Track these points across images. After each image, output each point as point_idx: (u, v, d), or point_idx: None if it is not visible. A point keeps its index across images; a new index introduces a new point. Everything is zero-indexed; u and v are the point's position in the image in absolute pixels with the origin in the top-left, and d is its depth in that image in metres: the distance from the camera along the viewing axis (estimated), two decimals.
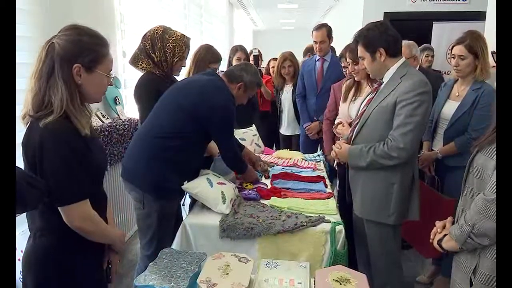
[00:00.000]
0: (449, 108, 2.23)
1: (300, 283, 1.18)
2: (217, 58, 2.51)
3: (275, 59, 3.88)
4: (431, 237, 1.42)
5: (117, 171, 2.73)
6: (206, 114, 1.79)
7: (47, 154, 1.09)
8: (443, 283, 2.40)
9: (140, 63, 2.07)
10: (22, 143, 1.13)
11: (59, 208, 1.14)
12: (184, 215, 2.11)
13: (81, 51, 1.12)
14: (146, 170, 1.77)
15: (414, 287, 2.53)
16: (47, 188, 1.08)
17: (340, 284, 1.17)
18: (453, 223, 1.37)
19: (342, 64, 2.65)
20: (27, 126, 1.14)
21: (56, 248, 1.19)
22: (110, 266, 1.39)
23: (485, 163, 1.18)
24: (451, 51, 2.23)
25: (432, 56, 3.76)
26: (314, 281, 1.21)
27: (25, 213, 1.21)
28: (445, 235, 1.33)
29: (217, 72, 2.25)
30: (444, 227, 1.38)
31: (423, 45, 3.73)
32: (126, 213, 1.62)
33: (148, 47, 2.04)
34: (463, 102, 2.16)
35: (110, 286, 1.41)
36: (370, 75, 1.93)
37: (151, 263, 1.30)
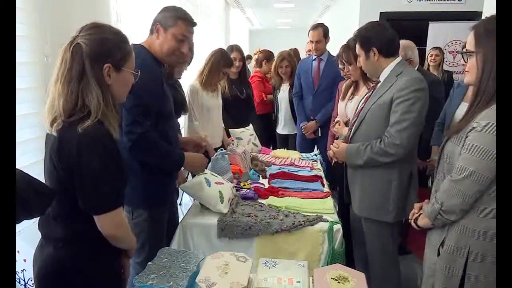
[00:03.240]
0: (463, 111, 2.16)
1: (299, 282, 1.18)
2: (230, 63, 2.63)
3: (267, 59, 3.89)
4: (410, 217, 1.53)
5: None
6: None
7: (87, 160, 1.05)
8: None
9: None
10: (53, 148, 1.08)
11: (94, 216, 1.10)
12: (181, 215, 2.11)
13: (110, 50, 1.10)
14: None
15: None
16: (53, 195, 1.05)
17: (339, 282, 1.17)
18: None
19: (340, 66, 2.66)
20: (58, 130, 1.07)
21: (81, 257, 1.15)
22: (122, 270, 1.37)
23: (453, 149, 1.31)
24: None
25: (437, 55, 3.77)
26: (312, 280, 1.22)
27: (37, 219, 1.18)
28: (420, 214, 1.45)
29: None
30: (421, 208, 1.48)
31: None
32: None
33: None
34: None
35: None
36: (367, 74, 1.95)
37: (149, 263, 1.30)
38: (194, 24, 1.65)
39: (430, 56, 3.83)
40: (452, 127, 1.39)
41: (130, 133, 1.50)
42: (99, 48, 1.08)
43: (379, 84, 1.86)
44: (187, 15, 1.64)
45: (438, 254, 1.34)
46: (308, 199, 1.96)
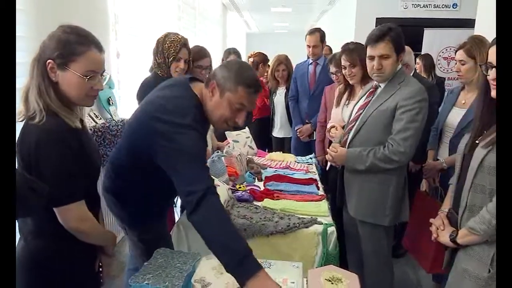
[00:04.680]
0: (455, 116, 2.18)
1: (293, 282, 1.20)
2: (199, 55, 2.29)
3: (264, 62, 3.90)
4: (434, 235, 1.48)
5: None
6: None
7: (44, 154, 1.08)
8: None
9: (151, 65, 2.21)
10: (16, 143, 1.12)
11: (55, 209, 1.14)
12: (176, 216, 2.12)
13: (56, 47, 1.11)
14: (111, 203, 1.59)
15: None
16: (47, 192, 1.07)
17: (332, 283, 1.19)
18: (449, 219, 1.46)
19: (330, 71, 2.68)
20: (22, 127, 1.14)
21: (49, 251, 1.19)
22: (101, 268, 1.40)
23: None
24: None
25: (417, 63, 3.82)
26: (306, 280, 1.23)
27: None
28: (455, 231, 1.37)
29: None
30: (443, 223, 1.46)
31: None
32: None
33: (154, 50, 2.15)
34: (469, 110, 2.08)
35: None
36: (380, 77, 1.83)
37: (145, 263, 1.31)
38: (259, 90, 1.36)
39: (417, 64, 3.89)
40: (489, 136, 1.27)
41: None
42: (48, 45, 1.12)
43: (379, 90, 1.88)
44: (251, 78, 1.32)
45: (489, 271, 1.26)
46: (303, 201, 1.98)
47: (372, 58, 1.80)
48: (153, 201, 1.57)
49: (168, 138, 1.23)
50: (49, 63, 1.11)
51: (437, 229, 1.48)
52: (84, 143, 1.20)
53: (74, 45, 1.12)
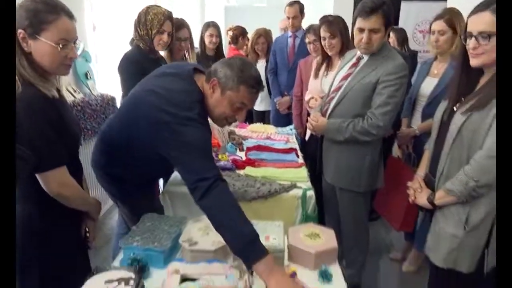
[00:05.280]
0: (428, 86, 2.26)
1: (275, 238, 1.29)
2: (177, 26, 2.21)
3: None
4: (411, 198, 1.56)
5: (91, 146, 2.73)
6: None
7: (22, 123, 1.08)
8: (417, 257, 2.59)
9: (132, 37, 2.14)
10: None
11: (37, 175, 1.17)
12: (161, 184, 2.16)
13: (25, 16, 1.10)
14: (101, 179, 1.62)
15: (387, 264, 2.71)
16: (33, 159, 1.10)
17: (311, 238, 1.29)
18: (426, 182, 1.53)
19: (307, 40, 2.72)
20: None
21: (33, 217, 1.22)
22: (88, 233, 1.45)
23: (478, 125, 1.26)
24: (430, 28, 2.25)
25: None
26: (287, 237, 1.32)
27: None
28: (432, 193, 1.45)
29: None
30: (420, 185, 1.53)
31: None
32: (101, 188, 1.66)
33: (136, 22, 2.08)
34: (441, 80, 2.16)
35: (89, 252, 1.48)
36: (367, 51, 1.83)
37: (133, 227, 1.37)
38: (261, 89, 1.36)
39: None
40: (467, 103, 1.32)
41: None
42: (19, 15, 1.10)
43: (362, 62, 1.91)
44: (254, 78, 1.31)
45: (464, 228, 1.35)
46: (283, 168, 2.06)
47: (362, 30, 1.78)
48: (144, 177, 1.59)
49: (174, 130, 1.24)
50: (20, 33, 1.10)
51: (414, 191, 1.55)
52: (62, 112, 1.21)
53: (44, 13, 1.11)
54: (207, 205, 1.17)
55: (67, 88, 2.60)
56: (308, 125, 2.09)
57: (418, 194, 1.53)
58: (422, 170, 1.62)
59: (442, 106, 1.49)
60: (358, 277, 2.27)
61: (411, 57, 3.70)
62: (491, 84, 1.25)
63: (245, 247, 1.10)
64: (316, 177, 2.27)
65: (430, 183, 1.52)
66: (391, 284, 2.48)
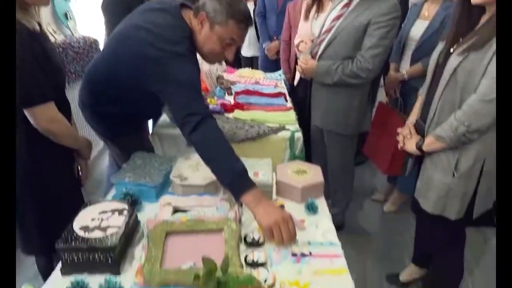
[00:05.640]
0: (418, 29, 2.21)
1: (264, 174, 1.33)
2: None
3: None
4: (400, 144, 1.56)
5: (75, 90, 2.67)
6: None
7: None
8: (398, 198, 2.71)
9: None
10: None
11: (25, 111, 1.16)
12: (151, 125, 2.17)
13: None
14: (89, 118, 1.60)
15: (370, 205, 2.83)
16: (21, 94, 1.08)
17: (298, 174, 1.33)
18: (416, 128, 1.53)
19: None
20: None
21: (24, 155, 1.23)
22: (80, 172, 1.47)
23: (473, 67, 1.22)
24: None
25: None
26: (275, 174, 1.37)
27: None
28: (421, 139, 1.45)
29: None
30: (410, 132, 1.53)
31: None
32: (90, 130, 1.64)
33: None
34: (432, 22, 2.13)
35: (82, 190, 1.51)
36: None
37: (124, 164, 1.39)
38: (250, 24, 1.32)
39: None
40: (465, 43, 1.26)
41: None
42: None
43: (354, 2, 1.85)
44: (243, 12, 1.27)
45: (453, 175, 1.36)
46: (272, 111, 2.07)
47: None
48: (132, 116, 1.58)
49: (164, 66, 1.21)
50: None
51: (404, 138, 1.56)
52: (44, 46, 1.18)
53: None
54: (197, 139, 1.18)
55: (47, 29, 2.48)
56: (297, 67, 2.08)
57: (408, 140, 1.53)
58: (413, 116, 1.61)
59: (439, 47, 1.44)
60: (342, 216, 2.39)
61: (403, 1, 3.61)
62: (492, 22, 1.18)
63: (234, 180, 1.13)
64: (304, 123, 2.30)
65: (420, 129, 1.51)
66: (373, 222, 2.62)
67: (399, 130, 1.62)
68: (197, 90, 1.26)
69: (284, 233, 1.04)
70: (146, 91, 1.29)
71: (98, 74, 1.47)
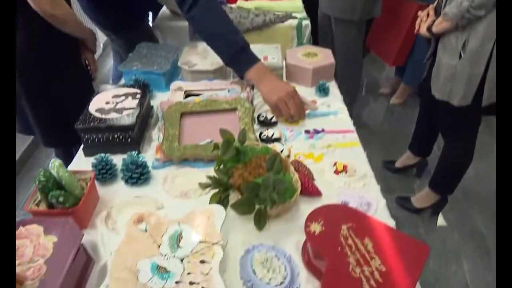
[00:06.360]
0: None
1: (274, 58, 1.30)
2: None
3: None
4: (416, 28, 1.52)
5: None
6: None
7: None
8: (405, 91, 2.70)
9: None
10: None
11: None
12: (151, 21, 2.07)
13: None
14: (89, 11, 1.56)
15: (377, 98, 2.82)
16: None
17: (308, 57, 1.30)
18: (436, 10, 1.47)
19: None
20: None
21: (28, 46, 1.20)
22: (89, 67, 1.45)
23: None
24: None
25: None
26: (285, 58, 1.33)
27: None
28: (433, 20, 1.42)
29: None
30: (428, 15, 1.48)
31: None
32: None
33: None
34: None
35: (93, 84, 1.50)
36: None
37: (130, 54, 1.35)
38: None
39: None
40: None
41: None
42: None
43: None
44: None
45: (460, 56, 1.36)
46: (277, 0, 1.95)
47: None
48: (129, 6, 1.51)
49: None
50: None
51: (421, 21, 1.51)
52: None
53: None
54: (196, 16, 1.12)
55: None
56: None
57: (423, 23, 1.49)
58: None
59: None
60: (350, 109, 2.41)
61: None
62: None
63: (237, 54, 1.09)
64: (311, 11, 2.18)
65: (438, 10, 1.46)
66: (378, 115, 2.65)
67: (419, 13, 1.56)
68: None
69: (291, 107, 1.04)
70: None
71: None
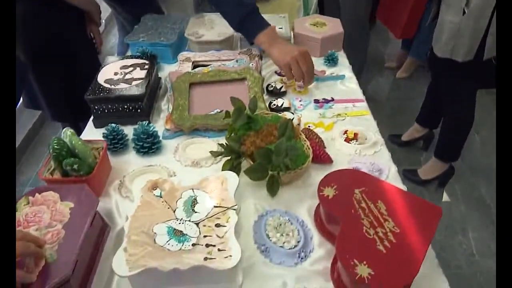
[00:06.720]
0: None
1: (281, 28, 1.28)
2: None
3: None
4: None
5: None
6: None
7: None
8: (411, 65, 2.66)
9: None
10: None
11: None
12: None
13: None
14: None
15: (382, 72, 2.78)
16: None
17: (316, 26, 1.28)
18: None
19: None
20: None
21: (34, 18, 1.18)
22: (94, 40, 1.43)
23: None
24: None
25: None
26: (293, 28, 1.31)
27: None
28: None
29: None
30: None
31: None
32: None
33: None
34: None
35: (99, 57, 1.48)
36: None
37: (136, 26, 1.33)
38: None
39: None
40: None
41: None
42: None
43: None
44: None
45: (463, 13, 1.37)
46: None
47: None
48: None
49: None
50: None
51: None
52: None
53: None
54: None
55: None
56: None
57: None
58: None
59: None
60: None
61: None
62: None
63: (246, 18, 1.07)
64: None
65: None
66: (385, 89, 2.63)
67: None
68: None
69: (302, 66, 1.01)
70: None
71: None
